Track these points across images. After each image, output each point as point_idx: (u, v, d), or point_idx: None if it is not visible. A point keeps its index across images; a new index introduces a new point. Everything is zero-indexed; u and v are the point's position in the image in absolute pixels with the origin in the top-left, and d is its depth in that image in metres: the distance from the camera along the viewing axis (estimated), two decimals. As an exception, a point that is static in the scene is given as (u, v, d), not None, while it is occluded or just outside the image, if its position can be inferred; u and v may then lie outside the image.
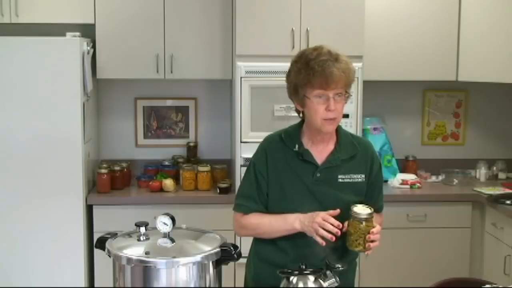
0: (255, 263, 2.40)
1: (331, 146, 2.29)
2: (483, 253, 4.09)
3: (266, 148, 2.33)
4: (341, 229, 2.10)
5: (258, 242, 2.39)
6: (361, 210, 2.12)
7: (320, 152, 2.28)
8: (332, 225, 2.10)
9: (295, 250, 2.26)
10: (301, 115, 2.31)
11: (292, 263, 2.11)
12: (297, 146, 2.28)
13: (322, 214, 2.14)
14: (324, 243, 2.11)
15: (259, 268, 2.38)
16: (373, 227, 2.11)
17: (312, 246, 2.17)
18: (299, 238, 2.23)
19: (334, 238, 2.09)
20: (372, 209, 2.14)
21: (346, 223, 2.13)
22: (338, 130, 2.32)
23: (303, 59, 2.19)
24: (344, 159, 2.28)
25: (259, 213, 2.30)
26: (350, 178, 2.27)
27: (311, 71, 2.14)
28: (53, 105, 3.78)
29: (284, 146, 2.30)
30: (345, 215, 2.14)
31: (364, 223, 2.10)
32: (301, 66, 2.18)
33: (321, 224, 2.11)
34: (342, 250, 2.18)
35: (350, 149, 2.30)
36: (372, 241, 2.10)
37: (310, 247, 2.19)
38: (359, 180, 2.29)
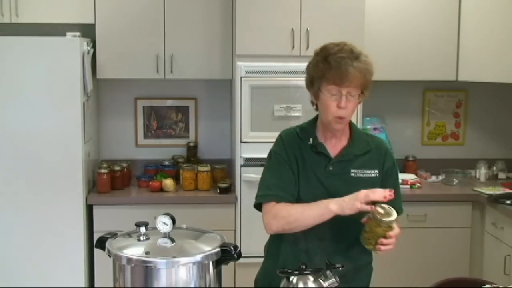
0: (266, 257, 2.39)
1: (344, 142, 2.29)
2: (483, 253, 4.09)
3: (283, 138, 2.32)
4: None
5: (273, 238, 2.37)
6: (383, 213, 2.05)
7: (334, 146, 2.28)
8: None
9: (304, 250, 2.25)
10: (315, 107, 2.30)
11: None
12: (311, 139, 2.27)
13: (365, 191, 2.09)
14: (371, 209, 2.04)
15: (267, 263, 2.37)
16: (391, 230, 2.07)
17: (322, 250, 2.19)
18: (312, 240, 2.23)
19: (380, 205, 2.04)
20: (395, 215, 2.07)
21: (365, 217, 2.09)
22: (352, 127, 2.32)
23: (324, 52, 2.20)
24: (357, 154, 2.27)
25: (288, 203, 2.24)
26: (363, 173, 2.25)
27: (328, 65, 2.15)
28: (53, 105, 3.78)
29: (299, 140, 2.29)
30: (359, 213, 2.09)
31: (381, 226, 2.06)
32: (319, 59, 2.19)
33: (366, 194, 2.06)
34: (356, 255, 2.18)
35: (364, 145, 2.29)
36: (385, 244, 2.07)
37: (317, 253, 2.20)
38: (373, 175, 2.26)
